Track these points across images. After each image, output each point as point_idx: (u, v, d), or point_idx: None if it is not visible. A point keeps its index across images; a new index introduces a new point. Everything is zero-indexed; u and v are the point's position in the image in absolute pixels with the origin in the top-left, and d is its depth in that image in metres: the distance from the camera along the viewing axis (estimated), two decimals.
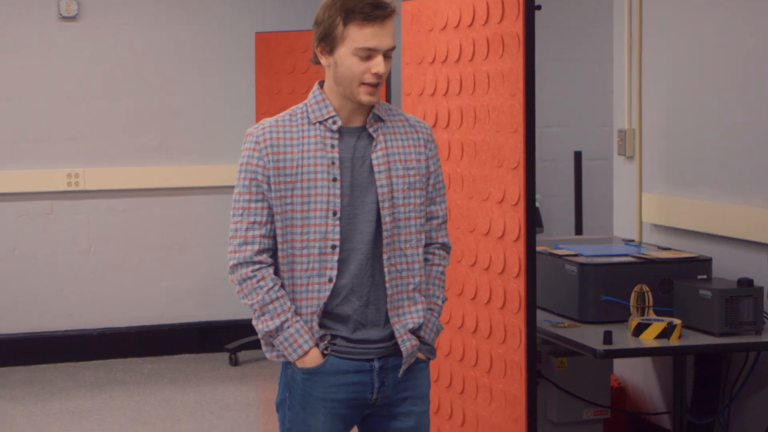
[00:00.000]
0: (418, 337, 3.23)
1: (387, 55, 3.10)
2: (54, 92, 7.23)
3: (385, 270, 3.16)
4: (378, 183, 3.15)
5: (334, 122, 3.16)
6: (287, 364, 3.20)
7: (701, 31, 4.92)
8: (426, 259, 3.28)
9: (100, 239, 7.37)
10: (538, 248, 4.40)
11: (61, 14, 7.20)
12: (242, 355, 7.34)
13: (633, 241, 5.18)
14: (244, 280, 3.15)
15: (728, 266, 4.68)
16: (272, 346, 3.19)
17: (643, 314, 4.30)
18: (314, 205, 3.12)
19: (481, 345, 4.27)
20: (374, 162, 3.17)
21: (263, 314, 3.15)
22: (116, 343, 7.38)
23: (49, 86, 7.22)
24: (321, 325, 3.16)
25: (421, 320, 3.22)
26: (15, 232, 7.23)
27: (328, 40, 3.11)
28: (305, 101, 3.22)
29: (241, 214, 3.15)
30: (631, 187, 5.40)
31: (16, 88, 7.18)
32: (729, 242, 4.73)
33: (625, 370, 5.41)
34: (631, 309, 4.32)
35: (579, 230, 6.18)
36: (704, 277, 4.46)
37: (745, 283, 4.24)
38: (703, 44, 4.91)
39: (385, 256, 3.16)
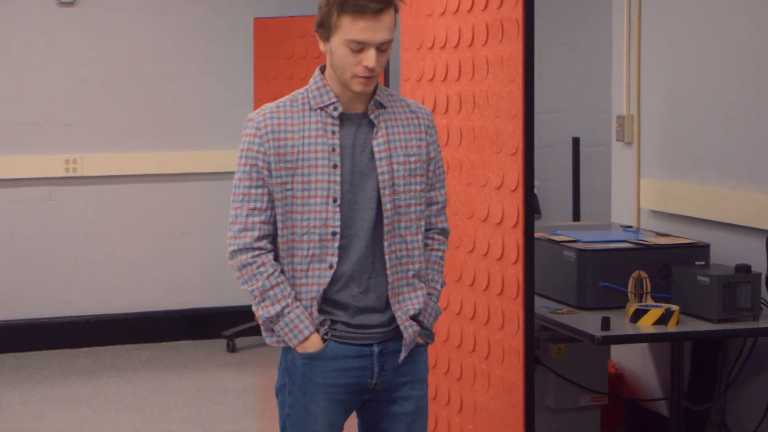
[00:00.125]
0: (417, 322, 3.23)
1: (381, 48, 3.07)
2: (52, 78, 7.22)
3: (386, 257, 3.16)
4: (379, 170, 3.15)
5: (335, 108, 3.15)
6: (287, 350, 3.21)
7: (700, 17, 4.91)
8: (425, 244, 3.29)
9: (99, 225, 7.36)
10: (536, 234, 4.39)
11: (59, 0, 7.18)
12: (239, 341, 7.34)
13: (631, 227, 5.18)
14: (244, 266, 3.15)
15: (726, 252, 4.68)
16: (272, 331, 3.20)
17: (640, 300, 4.30)
18: (314, 192, 3.12)
19: (479, 331, 4.26)
20: (375, 149, 3.16)
21: (263, 300, 3.15)
22: (113, 329, 7.38)
23: (47, 72, 7.21)
24: (321, 311, 3.16)
25: (421, 306, 3.23)
26: (13, 218, 7.22)
27: (324, 28, 3.11)
28: (306, 86, 3.20)
29: (242, 200, 3.15)
30: (630, 173, 5.39)
31: (14, 73, 7.17)
32: (727, 228, 4.73)
33: (623, 356, 5.41)
34: (629, 295, 4.32)
35: (577, 216, 6.17)
36: (702, 263, 4.46)
37: (743, 269, 4.24)
38: (702, 30, 4.90)
39: (385, 243, 3.16)
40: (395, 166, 3.18)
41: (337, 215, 3.12)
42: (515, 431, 4.00)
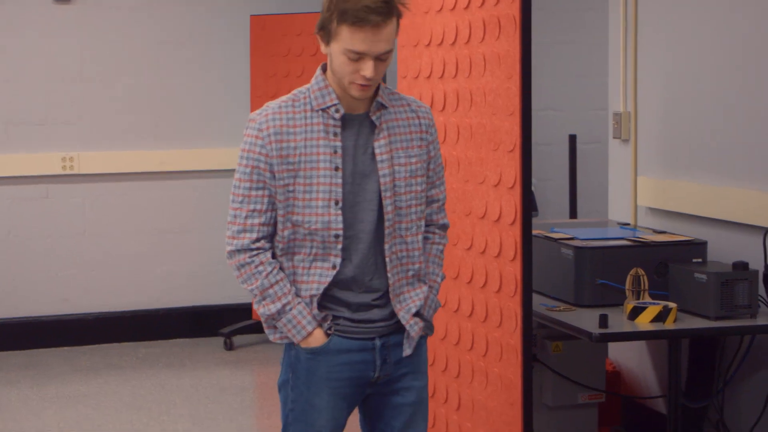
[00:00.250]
0: (418, 315, 3.25)
1: (381, 57, 3.05)
2: (49, 76, 7.21)
3: (387, 259, 3.17)
4: (380, 172, 3.15)
5: (337, 110, 3.14)
6: (290, 345, 3.22)
7: (697, 14, 4.91)
8: (426, 238, 3.30)
9: (96, 223, 7.36)
10: (534, 232, 4.39)
11: None
12: (237, 339, 7.34)
13: (628, 224, 5.18)
14: (242, 265, 3.16)
15: (723, 250, 4.68)
16: (275, 328, 3.20)
17: (638, 298, 4.30)
18: (316, 195, 3.12)
19: (477, 329, 4.27)
20: (377, 151, 3.16)
21: (264, 299, 3.15)
22: (111, 327, 7.38)
23: (44, 69, 7.20)
24: (323, 307, 3.17)
25: (422, 302, 3.24)
26: (10, 216, 7.22)
27: (324, 32, 3.09)
28: (308, 85, 3.19)
29: (241, 202, 3.15)
30: (627, 171, 5.39)
31: (11, 71, 7.16)
32: (724, 225, 4.73)
33: (620, 354, 5.41)
34: (627, 292, 4.32)
35: (573, 214, 6.18)
36: (699, 260, 4.46)
37: (741, 266, 4.24)
38: (700, 26, 4.90)
39: (386, 245, 3.17)
40: (396, 168, 3.18)
41: (339, 218, 3.12)
42: (513, 429, 4.00)
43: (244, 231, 3.15)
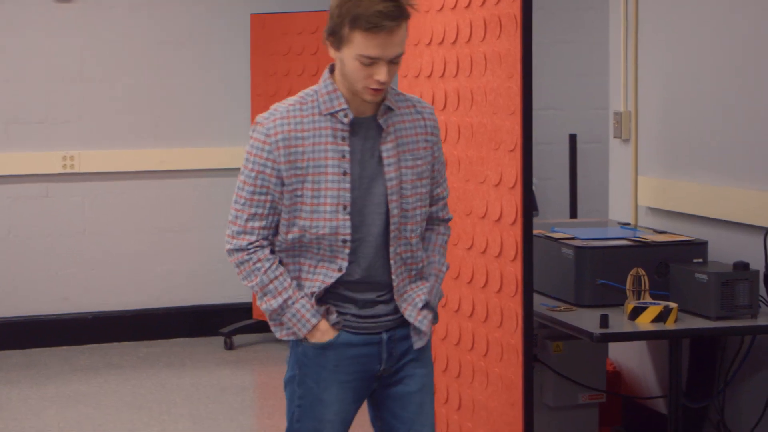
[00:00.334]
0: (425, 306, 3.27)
1: (393, 61, 3.04)
2: (49, 74, 7.21)
3: (392, 261, 3.18)
4: (387, 176, 3.15)
5: (345, 115, 3.12)
6: (297, 342, 3.23)
7: (698, 14, 4.91)
8: (430, 229, 3.33)
9: (96, 222, 7.35)
10: (534, 232, 4.38)
11: None
12: (237, 339, 7.34)
13: (629, 224, 5.17)
14: (241, 263, 3.17)
15: (724, 250, 4.67)
16: (281, 325, 3.21)
17: (639, 298, 4.30)
18: (324, 200, 3.11)
19: (478, 329, 4.26)
20: (384, 154, 3.16)
21: (265, 295, 3.17)
22: (111, 326, 7.38)
23: (44, 68, 7.20)
24: (327, 303, 3.19)
25: (427, 296, 3.26)
26: (10, 215, 7.21)
27: (335, 37, 3.07)
28: (316, 88, 3.17)
29: (243, 204, 3.15)
30: (627, 170, 5.39)
31: (12, 70, 7.16)
32: (725, 225, 4.73)
33: (621, 354, 5.41)
34: (627, 293, 4.32)
35: (574, 214, 6.17)
36: (700, 260, 4.45)
37: (741, 266, 4.24)
38: (700, 26, 4.90)
39: (391, 249, 3.18)
40: (404, 170, 3.18)
41: (347, 223, 3.12)
42: (514, 429, 3.99)
43: (244, 233, 3.16)
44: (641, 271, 4.31)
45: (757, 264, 4.38)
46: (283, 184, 3.12)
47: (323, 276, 3.16)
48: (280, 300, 3.15)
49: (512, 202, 4.00)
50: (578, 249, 4.44)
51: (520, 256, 3.95)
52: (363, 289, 3.19)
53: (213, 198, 7.50)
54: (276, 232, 3.18)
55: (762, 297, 4.33)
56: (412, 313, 3.23)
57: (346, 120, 3.12)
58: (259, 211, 3.14)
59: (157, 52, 7.38)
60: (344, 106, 3.12)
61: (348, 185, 3.12)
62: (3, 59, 7.14)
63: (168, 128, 7.44)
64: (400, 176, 3.17)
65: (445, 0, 4.42)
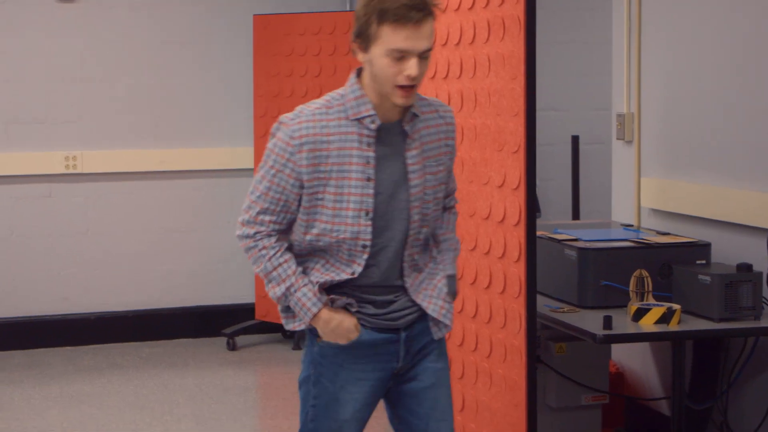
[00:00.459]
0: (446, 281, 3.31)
1: (423, 56, 3.04)
2: (52, 74, 7.21)
3: (404, 264, 3.21)
4: (411, 183, 3.16)
5: (373, 121, 3.12)
6: (312, 342, 3.24)
7: (701, 15, 4.91)
8: (441, 216, 3.35)
9: (99, 222, 7.36)
10: (538, 233, 4.38)
11: None
12: (240, 339, 7.34)
13: (632, 225, 5.18)
14: (248, 249, 3.20)
15: (727, 251, 4.68)
16: (293, 317, 3.21)
17: (642, 299, 4.30)
18: (347, 204, 3.12)
19: (481, 330, 4.26)
20: (409, 161, 3.16)
21: (269, 282, 3.20)
22: (114, 327, 7.38)
23: (47, 68, 7.20)
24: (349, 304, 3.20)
25: (451, 267, 3.29)
26: (13, 215, 7.22)
27: (363, 38, 3.07)
28: (342, 92, 3.16)
29: (258, 197, 3.17)
30: (630, 172, 5.39)
31: (14, 70, 7.16)
32: (728, 227, 4.73)
33: (624, 355, 5.41)
34: (631, 294, 4.32)
35: (576, 215, 6.17)
36: (703, 262, 4.45)
37: (745, 268, 4.24)
38: (703, 28, 4.90)
39: (405, 252, 3.20)
40: (427, 177, 3.20)
41: (369, 229, 3.13)
42: (517, 430, 4.00)
43: (254, 223, 3.18)
44: (644, 273, 4.31)
45: (760, 266, 4.38)
46: (302, 186, 3.12)
47: (335, 274, 3.17)
48: (283, 287, 3.16)
49: (516, 204, 4.00)
50: (581, 250, 4.44)
51: (524, 258, 3.96)
52: (380, 292, 3.20)
53: (215, 198, 7.51)
54: (288, 229, 3.19)
55: (765, 299, 4.33)
56: (435, 307, 3.24)
57: (373, 126, 3.11)
58: (272, 207, 3.15)
59: (159, 52, 7.38)
60: (372, 112, 3.11)
61: (372, 191, 3.12)
62: (4, 59, 7.14)
63: (170, 129, 7.44)
64: (424, 183, 3.18)
65: (449, 1, 4.43)
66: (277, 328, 7.36)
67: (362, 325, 3.20)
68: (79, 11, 7.22)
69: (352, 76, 3.17)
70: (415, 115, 3.18)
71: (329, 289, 3.20)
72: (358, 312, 3.19)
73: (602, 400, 4.84)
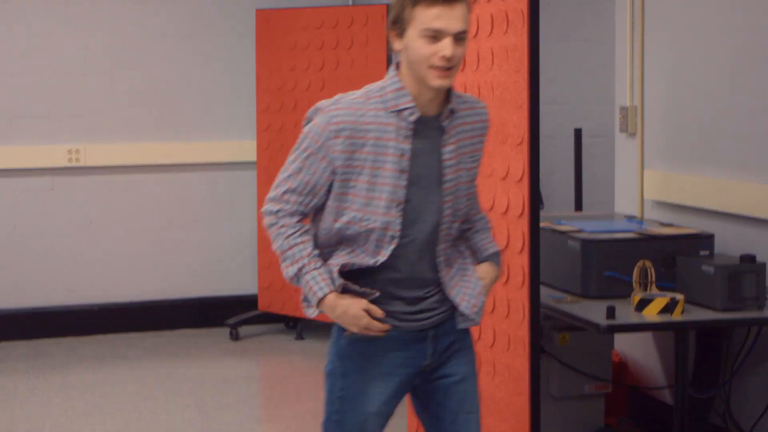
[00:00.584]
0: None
1: (458, 37, 3.05)
2: (55, 68, 7.23)
3: (439, 260, 3.22)
4: (446, 178, 3.17)
5: (411, 113, 3.12)
6: (340, 335, 3.25)
7: (704, 8, 4.93)
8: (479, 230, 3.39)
9: (102, 215, 7.38)
10: (541, 224, 4.40)
11: None
12: (242, 330, 7.36)
13: (635, 217, 5.20)
14: (269, 225, 3.22)
15: (731, 242, 4.70)
16: (309, 303, 3.21)
17: (645, 290, 4.32)
18: (379, 194, 3.12)
19: (485, 320, 4.28)
20: (445, 156, 3.17)
21: (284, 260, 3.20)
22: (117, 317, 7.41)
23: (50, 62, 7.22)
24: (377, 302, 3.18)
25: (493, 245, 3.34)
26: (16, 208, 7.24)
27: (399, 23, 3.08)
28: (382, 84, 3.16)
29: (287, 177, 3.18)
30: (633, 164, 5.41)
31: (17, 65, 7.18)
32: (731, 218, 4.75)
33: (626, 345, 5.44)
34: (634, 285, 4.34)
35: (579, 207, 6.19)
36: (707, 253, 4.47)
37: (748, 259, 4.26)
38: (706, 21, 4.92)
39: (439, 247, 3.21)
40: (462, 173, 3.21)
41: (399, 220, 3.13)
42: (521, 419, 4.02)
43: (279, 201, 3.19)
44: (648, 263, 4.34)
45: (763, 256, 4.41)
46: (333, 173, 3.12)
47: (357, 260, 3.16)
48: (295, 268, 3.17)
49: (519, 195, 4.02)
50: (585, 242, 4.46)
51: (527, 249, 3.98)
52: (409, 286, 3.20)
53: (218, 191, 7.53)
54: (311, 215, 3.20)
55: None
56: (468, 304, 3.26)
57: (411, 118, 3.12)
58: (299, 188, 3.16)
59: (162, 46, 7.40)
60: (411, 104, 3.12)
61: (404, 183, 3.12)
62: (7, 53, 7.16)
63: (173, 122, 7.46)
64: (458, 178, 3.19)
65: None
66: (279, 318, 7.39)
67: (392, 324, 3.20)
68: (82, 5, 7.23)
69: (391, 69, 3.17)
70: (453, 111, 3.19)
71: (358, 280, 3.19)
72: (386, 311, 3.18)
73: (605, 390, 4.86)
